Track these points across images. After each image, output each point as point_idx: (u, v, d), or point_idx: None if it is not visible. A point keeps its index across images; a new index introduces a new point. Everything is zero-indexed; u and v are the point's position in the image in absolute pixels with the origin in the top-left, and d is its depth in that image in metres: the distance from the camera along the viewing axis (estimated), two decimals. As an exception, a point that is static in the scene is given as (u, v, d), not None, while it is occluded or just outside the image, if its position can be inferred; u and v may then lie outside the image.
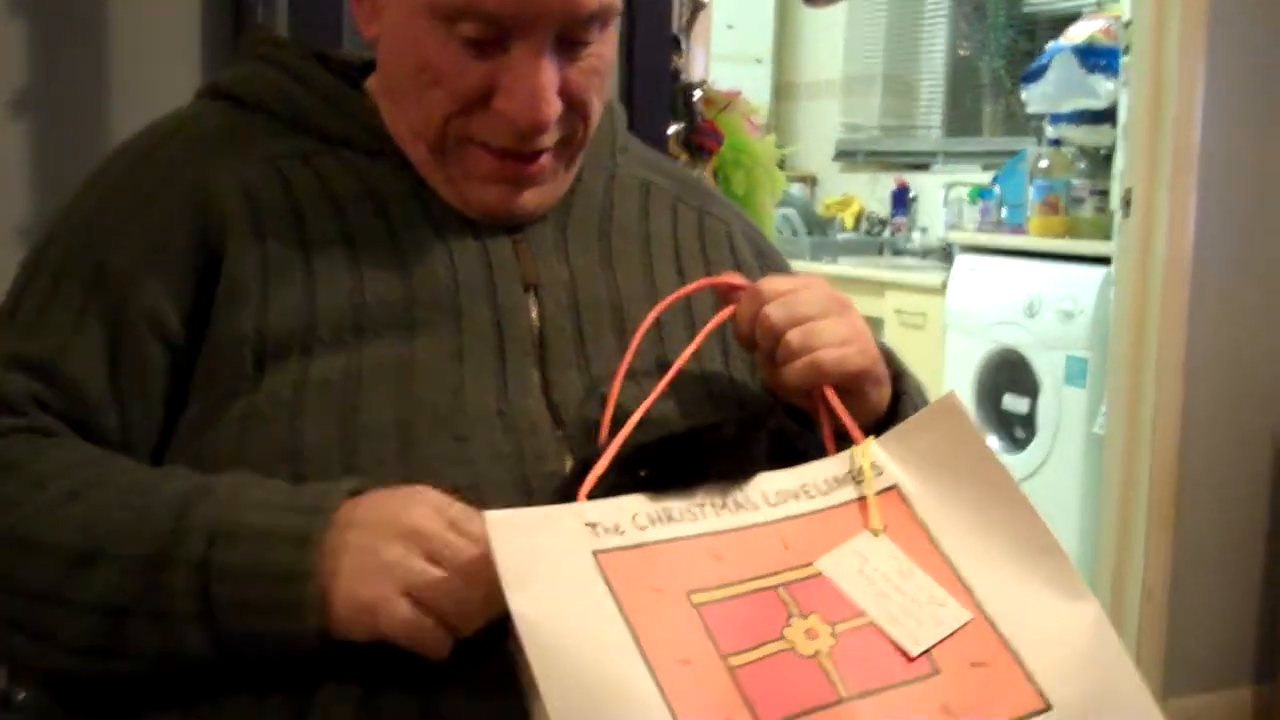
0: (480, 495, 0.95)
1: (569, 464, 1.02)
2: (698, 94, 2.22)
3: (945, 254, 5.14)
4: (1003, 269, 4.33)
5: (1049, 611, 0.93)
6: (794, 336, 1.03)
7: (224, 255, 1.04)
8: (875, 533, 0.97)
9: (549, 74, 1.04)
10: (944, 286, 4.55)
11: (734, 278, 1.10)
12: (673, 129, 2.15)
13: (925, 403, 1.17)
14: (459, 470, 0.98)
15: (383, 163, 1.12)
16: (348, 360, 1.01)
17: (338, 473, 0.96)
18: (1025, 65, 4.78)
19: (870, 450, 1.01)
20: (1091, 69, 4.15)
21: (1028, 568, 0.95)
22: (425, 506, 0.91)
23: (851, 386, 1.05)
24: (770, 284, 1.06)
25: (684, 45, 2.19)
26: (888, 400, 1.11)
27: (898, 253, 5.60)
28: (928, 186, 5.62)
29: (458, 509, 0.92)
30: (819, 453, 1.04)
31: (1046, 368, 4.04)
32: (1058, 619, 0.93)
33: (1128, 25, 3.41)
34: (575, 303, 1.11)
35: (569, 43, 1.05)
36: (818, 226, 5.80)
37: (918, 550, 0.96)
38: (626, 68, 2.06)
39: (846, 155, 6.15)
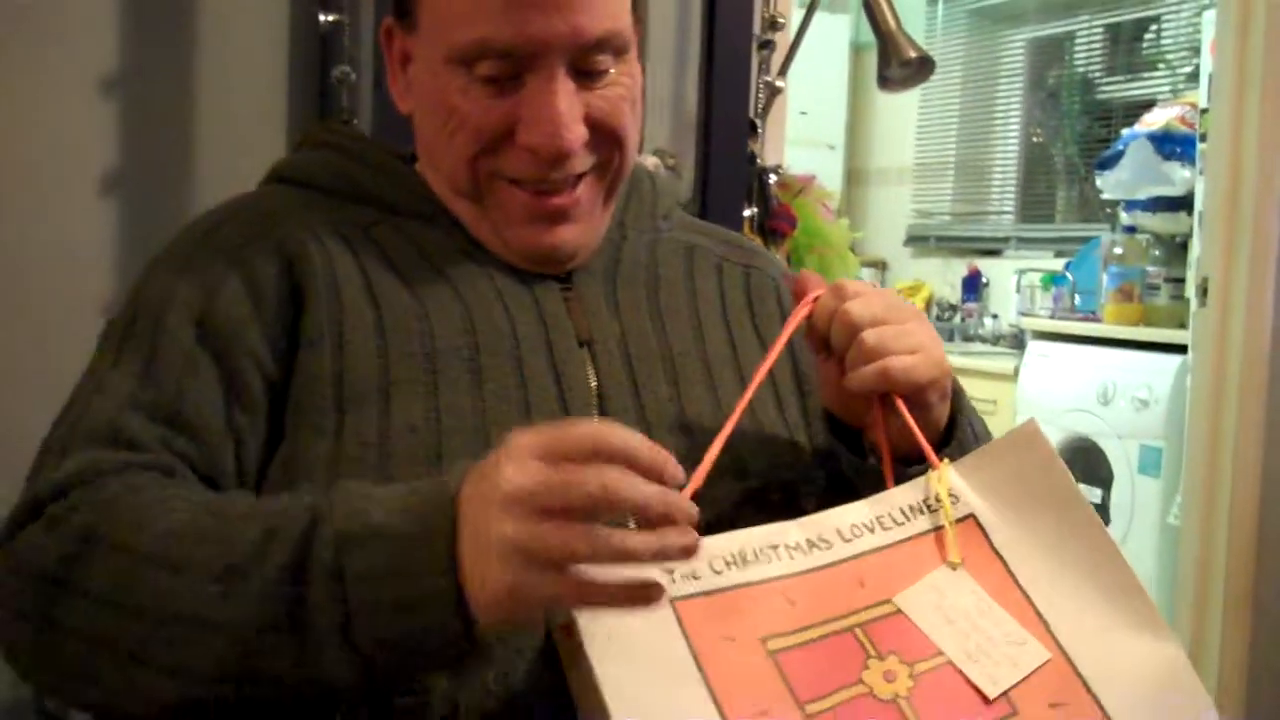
0: None
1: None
2: (773, 178, 2.23)
3: (1017, 340, 5.12)
4: (1076, 356, 4.30)
5: (1128, 650, 0.92)
6: (870, 336, 1.03)
7: (306, 305, 1.07)
8: (953, 566, 0.95)
9: (565, 101, 1.06)
10: (1016, 373, 4.52)
11: (815, 277, 1.10)
12: (747, 212, 2.16)
13: (983, 424, 1.17)
14: None
15: (436, 227, 1.16)
16: (426, 406, 1.03)
17: None
18: (1099, 151, 4.77)
19: (947, 476, 1.00)
20: (1168, 156, 4.13)
21: (1107, 604, 0.94)
22: (511, 462, 0.81)
23: (917, 398, 1.04)
24: (852, 283, 1.07)
25: (760, 130, 2.20)
26: (947, 417, 1.10)
27: (969, 339, 5.58)
28: (1000, 272, 5.60)
29: (536, 434, 0.82)
30: (871, 483, 1.04)
31: (1120, 457, 4.00)
32: (1137, 658, 0.92)
33: (1204, 113, 3.39)
34: (628, 356, 1.13)
35: (585, 73, 1.08)
36: (888, 311, 5.76)
37: (995, 583, 0.95)
38: (703, 150, 2.08)
39: (918, 240, 6.14)
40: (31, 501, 0.97)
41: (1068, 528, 0.97)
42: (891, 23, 2.23)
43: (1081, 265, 4.70)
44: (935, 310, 5.89)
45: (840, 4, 5.91)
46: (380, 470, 1.00)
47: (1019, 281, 5.26)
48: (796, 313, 1.07)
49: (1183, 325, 3.88)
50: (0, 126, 1.78)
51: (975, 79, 5.98)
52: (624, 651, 0.83)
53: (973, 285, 5.67)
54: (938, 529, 0.97)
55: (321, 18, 1.87)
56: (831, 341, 1.06)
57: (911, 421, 1.02)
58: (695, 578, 0.89)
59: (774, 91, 2.23)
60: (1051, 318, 4.73)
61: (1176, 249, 4.29)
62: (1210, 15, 3.70)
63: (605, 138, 1.11)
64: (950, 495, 0.99)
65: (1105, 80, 5.46)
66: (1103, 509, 4.09)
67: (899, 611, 0.92)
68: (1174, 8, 5.06)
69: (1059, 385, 4.29)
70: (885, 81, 2.26)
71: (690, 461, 0.98)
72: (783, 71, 2.26)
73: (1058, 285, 4.82)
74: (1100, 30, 5.46)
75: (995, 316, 5.55)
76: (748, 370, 1.16)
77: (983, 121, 5.97)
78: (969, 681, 0.89)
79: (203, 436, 1.03)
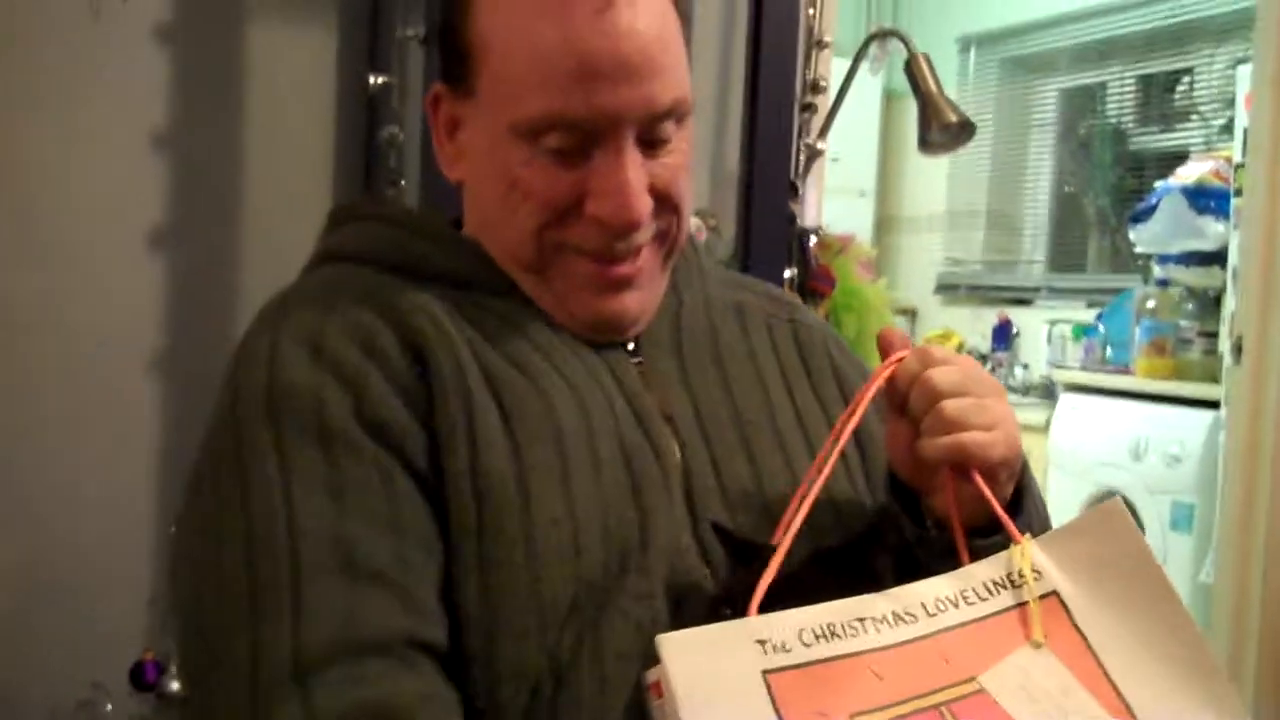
0: (657, 631, 0.95)
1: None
2: (813, 239, 2.24)
3: (1048, 391, 5.10)
4: (1107, 409, 4.29)
5: None
6: (949, 407, 1.02)
7: (436, 397, 1.03)
8: (1036, 645, 0.95)
9: (634, 172, 1.06)
10: (1047, 425, 4.51)
11: (900, 335, 1.10)
12: (788, 274, 2.17)
13: (1044, 505, 1.17)
14: (642, 607, 1.00)
15: (509, 300, 1.13)
16: (564, 495, 1.01)
17: (569, 622, 0.98)
18: (1131, 202, 4.77)
19: (1030, 552, 0.99)
20: (1201, 210, 4.13)
21: (1186, 687, 0.93)
22: None
23: (986, 475, 1.03)
24: (937, 349, 1.07)
25: (800, 191, 2.22)
26: (1011, 494, 1.09)
27: (999, 388, 5.55)
28: (1030, 322, 5.59)
29: None
30: (929, 550, 1.04)
31: (1151, 512, 3.98)
32: None
33: (1239, 168, 3.39)
34: (704, 431, 1.12)
35: (649, 143, 1.08)
36: (918, 359, 5.75)
37: (1077, 662, 0.94)
38: (745, 212, 2.09)
39: (948, 289, 6.14)
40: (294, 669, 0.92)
41: (1149, 607, 0.96)
42: (933, 87, 2.24)
43: (1113, 317, 4.70)
44: (965, 359, 5.87)
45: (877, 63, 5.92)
46: (529, 570, 0.98)
47: (1050, 332, 5.25)
48: (879, 372, 1.06)
49: (1215, 380, 3.87)
50: (52, 180, 1.81)
51: (1007, 128, 5.99)
52: (715, 716, 0.85)
53: (1003, 335, 5.66)
54: (1021, 605, 0.97)
55: (371, 79, 1.89)
56: (910, 405, 1.05)
57: (990, 495, 1.01)
58: (786, 650, 0.90)
59: (814, 154, 2.25)
60: (1082, 369, 4.72)
61: (1210, 303, 4.29)
62: (1245, 70, 3.71)
63: (666, 206, 1.11)
64: (1033, 571, 0.98)
65: (1138, 131, 5.47)
66: (1134, 563, 4.06)
67: (983, 690, 0.91)
68: (1207, 60, 5.06)
69: (1090, 438, 4.27)
70: (926, 144, 2.27)
71: (771, 533, 1.02)
72: (823, 133, 2.27)
73: (1089, 336, 4.81)
74: (1132, 81, 5.47)
75: (1026, 366, 5.53)
76: (812, 433, 1.16)
77: (1014, 170, 5.97)
78: None
79: (427, 544, 0.99)
